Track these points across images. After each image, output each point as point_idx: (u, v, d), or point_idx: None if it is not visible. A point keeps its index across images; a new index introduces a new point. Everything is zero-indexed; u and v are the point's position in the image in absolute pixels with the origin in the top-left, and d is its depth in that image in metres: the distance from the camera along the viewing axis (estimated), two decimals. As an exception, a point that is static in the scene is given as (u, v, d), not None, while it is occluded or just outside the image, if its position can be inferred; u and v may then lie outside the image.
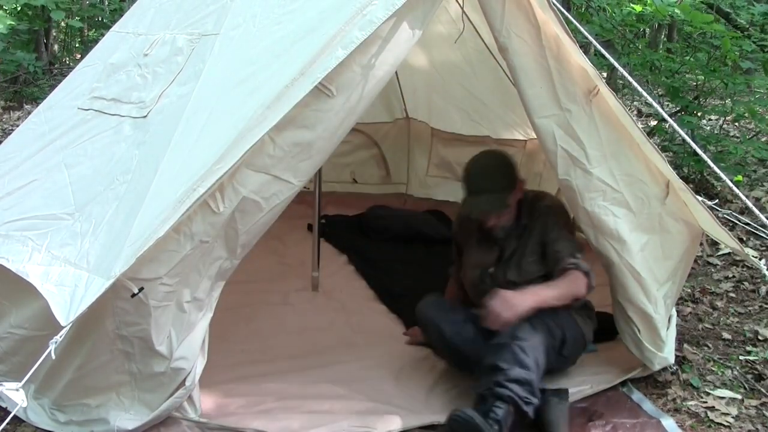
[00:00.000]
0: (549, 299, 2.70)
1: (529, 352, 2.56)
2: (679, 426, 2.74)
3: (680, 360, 3.17)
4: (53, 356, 2.04)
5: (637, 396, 2.92)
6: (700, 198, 2.94)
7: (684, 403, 2.90)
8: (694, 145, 2.88)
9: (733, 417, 2.81)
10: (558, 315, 2.74)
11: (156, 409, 2.43)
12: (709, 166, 2.78)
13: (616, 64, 2.77)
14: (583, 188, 2.70)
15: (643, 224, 2.81)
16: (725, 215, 4.10)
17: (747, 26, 6.11)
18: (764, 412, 2.87)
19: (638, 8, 6.25)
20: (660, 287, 2.90)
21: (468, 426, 2.45)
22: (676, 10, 5.66)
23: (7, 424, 2.23)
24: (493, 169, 2.89)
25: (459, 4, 3.51)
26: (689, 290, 4.04)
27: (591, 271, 2.76)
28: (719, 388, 3.02)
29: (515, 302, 2.65)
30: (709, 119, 7.71)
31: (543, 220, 2.86)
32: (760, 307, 3.91)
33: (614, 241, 2.74)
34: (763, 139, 6.40)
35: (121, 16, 3.63)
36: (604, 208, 2.72)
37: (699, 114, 6.22)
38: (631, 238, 2.76)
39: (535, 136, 2.74)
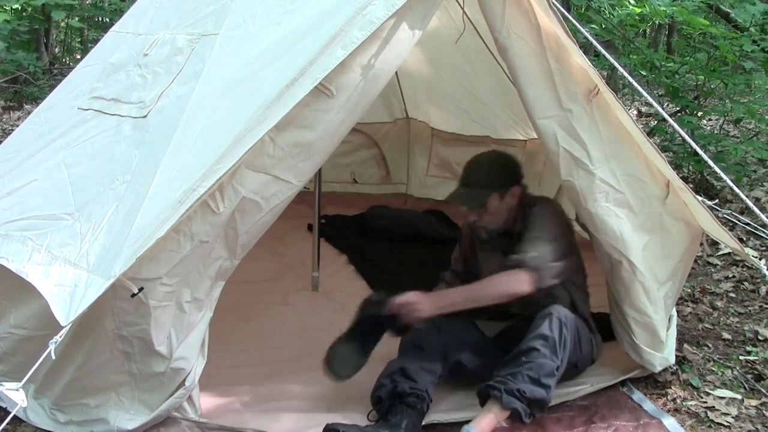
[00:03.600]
0: (460, 301, 2.70)
1: (556, 372, 2.58)
2: (678, 425, 2.74)
3: (680, 360, 3.17)
4: (53, 356, 2.04)
5: (637, 396, 2.92)
6: (700, 198, 2.94)
7: (684, 403, 2.90)
8: (694, 145, 2.88)
9: (733, 417, 2.81)
10: (580, 330, 2.75)
11: (156, 409, 2.43)
12: (709, 166, 2.78)
13: (616, 64, 2.77)
14: (587, 189, 2.69)
15: (644, 224, 2.81)
16: (725, 215, 4.10)
17: (747, 26, 6.10)
18: (764, 412, 2.87)
19: (638, 9, 6.25)
20: (660, 287, 2.90)
21: None
22: (675, 11, 5.66)
23: (7, 424, 2.22)
24: (483, 166, 2.90)
25: (459, 5, 3.51)
26: (689, 290, 4.04)
27: (543, 268, 2.68)
28: (719, 388, 3.02)
29: (418, 306, 2.66)
30: (709, 119, 7.72)
31: (528, 224, 2.83)
32: (760, 307, 3.91)
33: (617, 242, 2.73)
34: (763, 140, 6.40)
35: (121, 16, 3.63)
36: (606, 209, 2.71)
37: (699, 114, 6.22)
38: (633, 238, 2.76)
39: (536, 136, 2.74)
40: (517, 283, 2.67)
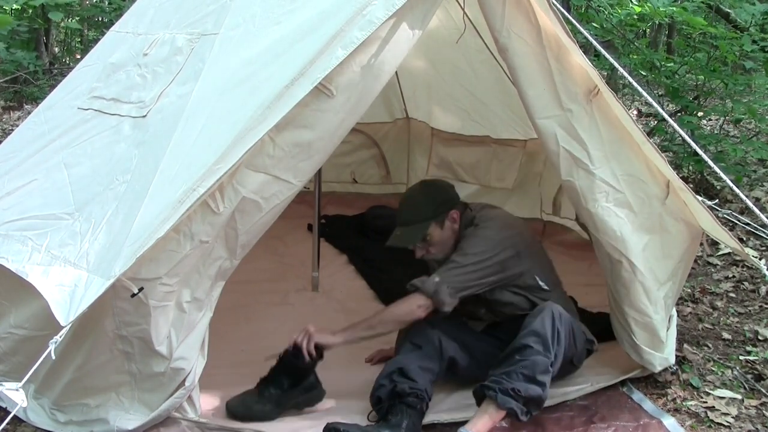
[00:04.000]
0: (361, 332, 2.73)
1: (551, 368, 2.58)
2: (679, 425, 2.74)
3: (680, 360, 3.17)
4: (53, 356, 2.04)
5: (637, 396, 2.92)
6: (700, 198, 2.94)
7: (684, 403, 2.90)
8: (694, 145, 2.88)
9: (733, 417, 2.81)
10: (574, 325, 2.74)
11: (156, 409, 2.43)
12: (709, 166, 2.78)
13: (616, 64, 2.77)
14: (587, 189, 2.69)
15: (644, 224, 2.81)
16: (725, 215, 4.10)
17: (747, 26, 6.10)
18: (764, 412, 2.87)
19: (638, 9, 6.25)
20: (660, 287, 2.90)
21: None
22: (675, 11, 5.66)
23: (7, 424, 2.22)
24: (412, 201, 2.89)
25: (459, 5, 3.51)
26: (689, 290, 4.04)
27: (439, 291, 2.67)
28: (719, 388, 3.02)
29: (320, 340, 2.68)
30: (709, 119, 7.72)
31: (457, 246, 2.82)
32: (760, 307, 3.91)
33: (617, 242, 2.73)
34: (763, 139, 6.40)
35: (121, 16, 3.63)
36: (607, 210, 2.71)
37: (699, 114, 6.22)
38: (633, 238, 2.76)
39: (536, 136, 2.74)
40: (409, 309, 2.72)
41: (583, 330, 2.88)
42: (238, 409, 2.62)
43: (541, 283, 2.85)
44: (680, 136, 2.93)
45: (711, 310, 3.84)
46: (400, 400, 2.58)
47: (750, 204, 2.67)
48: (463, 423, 2.57)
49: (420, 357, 2.71)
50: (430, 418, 2.67)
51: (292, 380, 2.70)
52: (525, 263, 2.82)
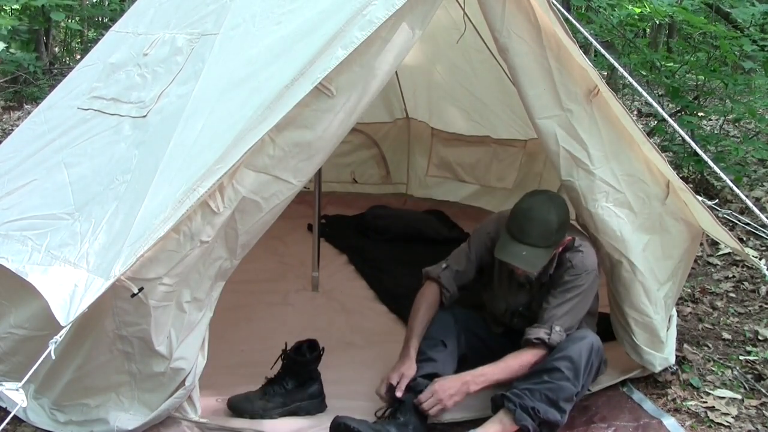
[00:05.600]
0: (506, 377, 2.62)
1: (575, 397, 2.57)
2: (679, 425, 2.74)
3: (680, 360, 3.17)
4: (53, 356, 2.04)
5: (637, 396, 2.92)
6: (700, 198, 2.94)
7: (684, 403, 2.90)
8: (694, 145, 2.88)
9: (733, 417, 2.81)
10: (602, 352, 2.71)
11: (156, 409, 2.42)
12: (709, 166, 2.78)
13: (616, 64, 2.77)
14: (587, 189, 2.69)
15: (644, 224, 2.81)
16: (725, 215, 4.11)
17: (747, 26, 6.10)
18: (764, 412, 2.87)
19: (637, 9, 6.25)
20: (660, 287, 2.90)
21: None
22: (675, 11, 5.66)
23: (7, 424, 2.22)
24: (545, 223, 2.62)
25: (459, 5, 3.51)
26: (689, 290, 4.04)
27: (557, 343, 2.62)
28: (719, 388, 3.02)
29: (455, 391, 2.56)
30: (709, 119, 7.72)
31: (562, 278, 2.72)
32: (760, 307, 3.91)
33: (617, 243, 2.73)
34: (763, 139, 6.40)
35: (121, 16, 3.63)
36: (607, 210, 2.71)
37: (699, 114, 6.22)
38: (634, 238, 2.76)
39: (536, 136, 2.74)
40: (534, 360, 2.63)
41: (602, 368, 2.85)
42: (239, 405, 2.63)
43: (595, 304, 2.88)
44: (680, 136, 2.93)
45: (711, 310, 3.84)
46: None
47: (750, 204, 2.67)
48: (464, 423, 2.57)
49: (444, 356, 2.72)
50: (430, 418, 2.67)
51: (296, 382, 2.70)
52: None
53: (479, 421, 2.59)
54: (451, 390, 2.55)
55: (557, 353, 2.59)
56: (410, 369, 2.65)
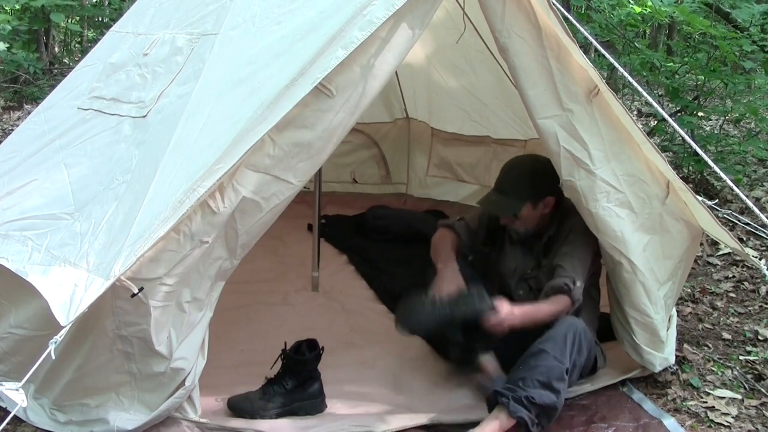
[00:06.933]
0: (539, 318, 2.71)
1: (566, 375, 2.57)
2: (679, 425, 2.74)
3: (680, 360, 3.17)
4: (53, 356, 2.04)
5: (637, 396, 2.92)
6: (700, 198, 2.94)
7: (684, 403, 2.90)
8: (694, 145, 2.88)
9: (733, 417, 2.81)
10: (588, 335, 2.74)
11: (156, 409, 2.42)
12: (709, 166, 2.78)
13: (616, 64, 2.77)
14: (588, 190, 2.69)
15: (645, 224, 2.81)
16: (725, 215, 4.11)
17: (747, 26, 6.10)
18: (764, 412, 2.87)
19: (637, 9, 6.25)
20: (661, 287, 2.90)
21: None
22: (675, 12, 5.66)
23: (7, 424, 2.22)
24: (520, 174, 2.90)
25: (459, 5, 3.51)
26: (689, 290, 4.04)
27: (579, 300, 2.77)
28: (719, 388, 3.02)
29: (514, 314, 2.66)
30: (709, 119, 7.72)
31: (564, 238, 2.87)
32: (760, 307, 3.91)
33: (618, 243, 2.73)
34: (763, 139, 6.40)
35: (121, 16, 3.63)
36: (608, 210, 2.71)
37: (699, 114, 6.22)
38: (634, 238, 2.76)
39: (536, 136, 2.74)
40: (563, 308, 2.74)
41: (596, 354, 2.89)
42: (239, 405, 2.63)
43: (593, 290, 2.92)
44: (680, 136, 2.93)
45: (711, 310, 3.84)
46: None
47: (750, 204, 2.67)
48: (466, 425, 2.57)
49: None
50: (431, 418, 2.67)
51: (296, 382, 2.70)
52: (595, 271, 2.93)
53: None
54: (513, 318, 2.64)
55: (540, 338, 2.63)
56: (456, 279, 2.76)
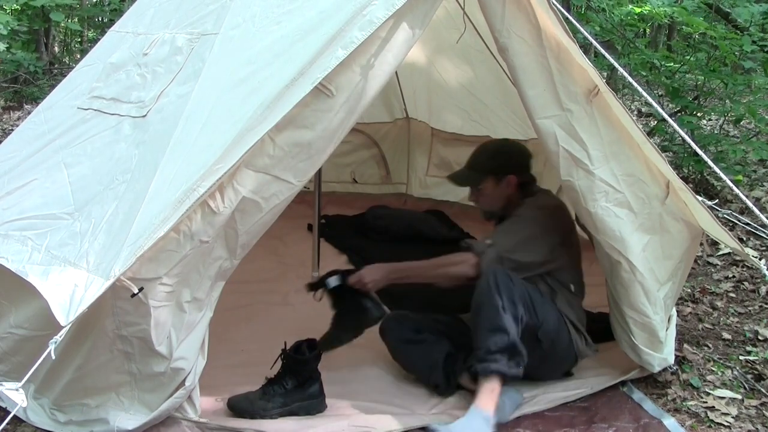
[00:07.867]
0: (425, 269, 2.85)
1: (503, 311, 2.59)
2: (679, 425, 2.74)
3: (680, 360, 3.17)
4: (53, 356, 2.04)
5: (637, 396, 2.92)
6: (700, 198, 2.94)
7: (684, 403, 2.90)
8: (694, 145, 2.88)
9: (733, 417, 2.81)
10: (543, 303, 2.77)
11: (156, 409, 2.42)
12: (709, 166, 2.78)
13: (616, 64, 2.77)
14: (586, 189, 2.69)
15: (644, 224, 2.80)
16: (725, 215, 4.10)
17: (747, 26, 6.10)
18: (764, 412, 2.87)
19: (638, 9, 6.25)
20: (660, 287, 2.90)
21: None
22: (675, 11, 5.66)
23: (7, 424, 2.22)
24: (486, 151, 3.06)
25: (459, 5, 3.51)
26: (689, 290, 4.04)
27: (490, 255, 2.75)
28: (719, 388, 3.02)
29: (379, 276, 2.84)
30: (709, 119, 7.72)
31: (510, 216, 2.93)
32: (760, 307, 3.91)
33: (617, 243, 2.73)
34: (763, 139, 6.40)
35: (121, 16, 3.63)
36: (606, 210, 2.71)
37: (699, 114, 6.22)
38: (633, 238, 2.76)
39: (536, 136, 2.74)
40: (461, 265, 2.80)
41: (576, 339, 2.89)
42: (239, 405, 2.63)
43: (570, 284, 2.91)
44: (680, 136, 2.93)
45: (711, 310, 3.84)
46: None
47: (750, 204, 2.67)
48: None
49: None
50: (430, 418, 2.67)
51: (296, 382, 2.70)
52: (568, 258, 2.92)
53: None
54: (376, 275, 2.82)
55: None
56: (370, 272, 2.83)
